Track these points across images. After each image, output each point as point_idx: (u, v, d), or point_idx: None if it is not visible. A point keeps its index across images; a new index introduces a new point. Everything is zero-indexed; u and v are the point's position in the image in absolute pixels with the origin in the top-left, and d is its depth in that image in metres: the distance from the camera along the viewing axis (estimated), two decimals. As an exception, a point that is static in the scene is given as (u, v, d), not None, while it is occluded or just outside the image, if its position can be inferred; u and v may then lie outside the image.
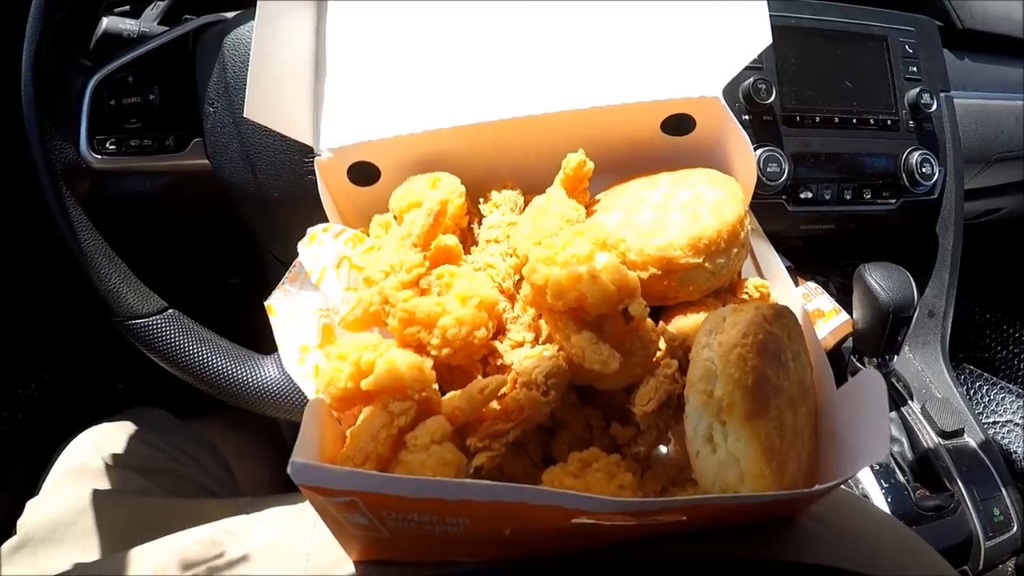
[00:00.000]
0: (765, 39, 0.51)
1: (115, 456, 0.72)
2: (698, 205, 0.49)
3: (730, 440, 0.38)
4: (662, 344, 0.45)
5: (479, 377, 0.44)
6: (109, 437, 0.75)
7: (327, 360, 0.42)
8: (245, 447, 0.87)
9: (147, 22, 0.73)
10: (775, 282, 0.53)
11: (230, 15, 0.70)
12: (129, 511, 0.64)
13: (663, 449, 0.48)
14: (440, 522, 0.34)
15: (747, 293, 0.51)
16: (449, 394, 0.42)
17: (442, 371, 0.45)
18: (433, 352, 0.42)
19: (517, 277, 0.49)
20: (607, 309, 0.41)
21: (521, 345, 0.46)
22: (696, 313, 0.48)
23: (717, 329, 0.40)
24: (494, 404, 0.42)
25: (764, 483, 0.37)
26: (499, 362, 0.46)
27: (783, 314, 0.42)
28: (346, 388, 0.40)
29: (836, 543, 0.44)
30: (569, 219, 0.47)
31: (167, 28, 0.70)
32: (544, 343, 0.46)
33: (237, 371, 0.65)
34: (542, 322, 0.47)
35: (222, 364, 0.65)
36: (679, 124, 0.57)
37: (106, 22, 0.69)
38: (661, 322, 0.49)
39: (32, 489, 0.69)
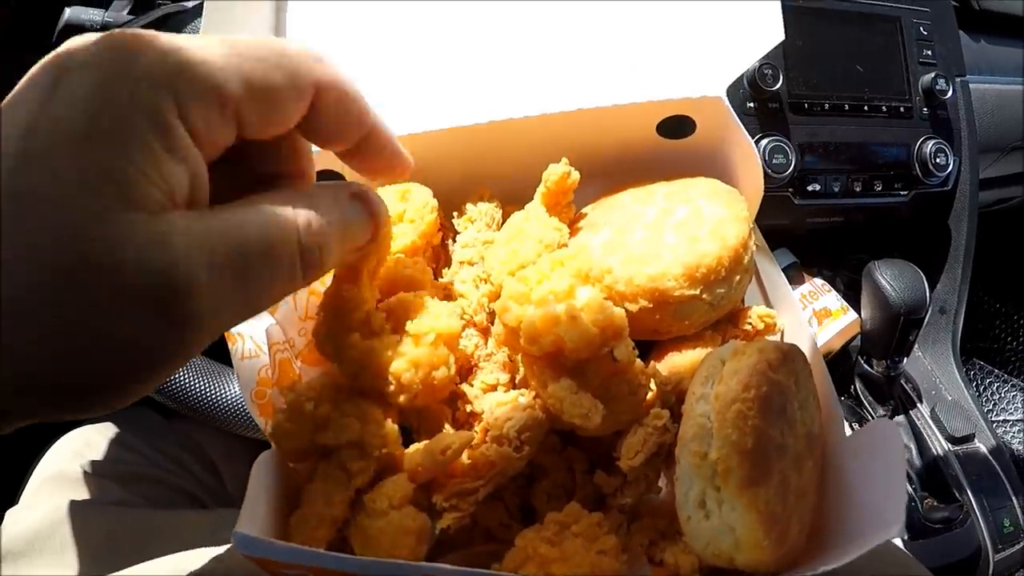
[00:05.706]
0: (776, 35, 0.46)
1: (93, 463, 0.69)
2: (697, 225, 0.43)
3: (724, 509, 0.33)
4: (653, 385, 0.40)
5: (446, 426, 0.40)
6: (89, 442, 0.71)
7: (281, 404, 0.37)
8: (232, 446, 0.84)
9: (115, 11, 0.68)
10: (781, 308, 0.48)
11: (191, 3, 0.65)
12: (107, 524, 0.61)
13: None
14: None
15: (750, 324, 0.45)
16: (412, 447, 0.37)
17: (410, 412, 0.40)
18: (391, 400, 0.37)
19: (492, 308, 0.43)
20: (588, 354, 0.36)
21: (494, 388, 0.41)
22: (692, 349, 0.43)
23: (715, 377, 0.36)
24: (464, 457, 0.37)
25: (761, 554, 0.33)
26: (469, 408, 0.41)
27: (791, 356, 0.37)
28: (299, 442, 0.36)
29: None
30: (548, 244, 0.42)
31: (133, 17, 0.65)
32: (520, 385, 0.42)
33: (203, 386, 0.61)
34: (521, 357, 0.42)
35: (187, 379, 0.61)
36: (677, 126, 0.51)
37: (68, 12, 0.65)
38: (652, 361, 0.44)
39: (13, 496, 0.66)
